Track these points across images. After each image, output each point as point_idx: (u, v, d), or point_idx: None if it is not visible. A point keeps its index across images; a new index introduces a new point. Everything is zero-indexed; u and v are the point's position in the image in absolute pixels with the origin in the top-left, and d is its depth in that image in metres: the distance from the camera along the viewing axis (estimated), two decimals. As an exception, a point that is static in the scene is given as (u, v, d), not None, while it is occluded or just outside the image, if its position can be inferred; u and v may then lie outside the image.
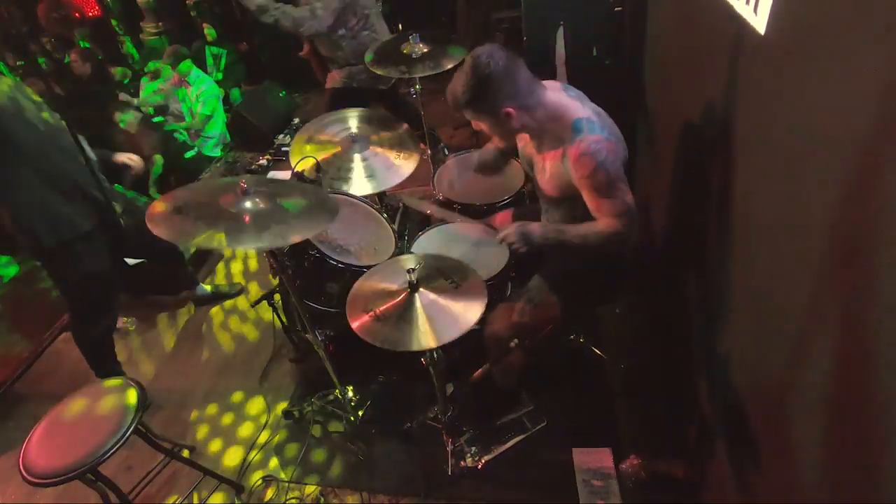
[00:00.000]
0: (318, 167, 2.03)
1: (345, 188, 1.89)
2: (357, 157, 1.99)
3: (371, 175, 1.93)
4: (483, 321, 1.89)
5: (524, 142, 1.80)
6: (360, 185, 1.86)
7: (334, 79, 3.22)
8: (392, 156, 1.97)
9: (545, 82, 1.64)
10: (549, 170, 1.66)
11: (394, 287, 1.60)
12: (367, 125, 2.11)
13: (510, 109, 1.50)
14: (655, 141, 2.35)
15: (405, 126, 2.26)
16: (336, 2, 2.83)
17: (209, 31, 5.23)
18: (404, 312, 1.52)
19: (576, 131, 1.52)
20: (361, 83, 3.14)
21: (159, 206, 1.46)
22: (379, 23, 3.16)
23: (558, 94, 1.61)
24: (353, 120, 2.09)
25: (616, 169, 1.51)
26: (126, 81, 5.03)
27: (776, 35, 1.08)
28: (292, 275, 1.80)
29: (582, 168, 1.51)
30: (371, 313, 1.49)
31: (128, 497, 1.88)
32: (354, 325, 1.51)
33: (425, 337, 1.45)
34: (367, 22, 3.04)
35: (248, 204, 1.49)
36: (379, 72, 2.50)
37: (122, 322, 3.12)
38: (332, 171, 1.93)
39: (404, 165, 1.94)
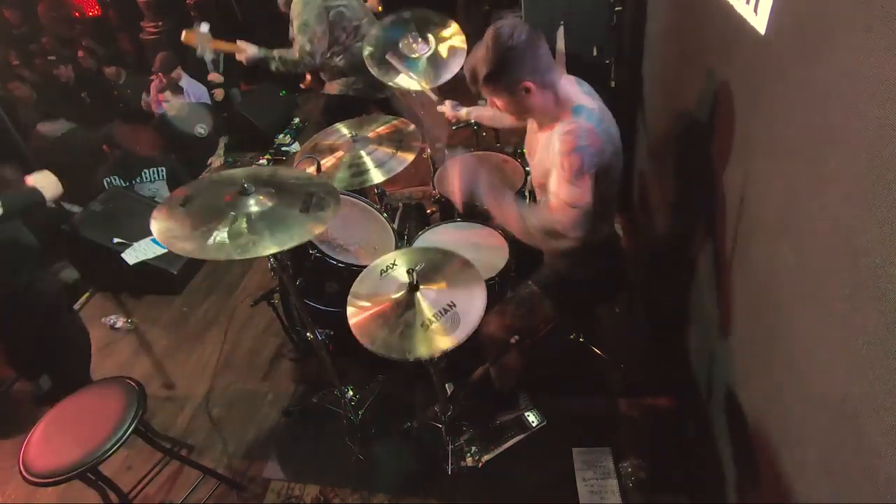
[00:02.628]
0: (318, 167, 2.04)
1: (366, 178, 2.03)
2: (363, 152, 2.11)
3: (380, 165, 2.06)
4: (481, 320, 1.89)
5: (529, 133, 1.79)
6: (375, 174, 2.04)
7: (331, 87, 3.22)
8: (391, 149, 2.12)
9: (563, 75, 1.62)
10: (538, 152, 1.64)
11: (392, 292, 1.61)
12: (360, 127, 2.23)
13: (529, 84, 1.46)
14: (655, 141, 2.35)
15: (394, 118, 2.30)
16: (318, 30, 2.82)
17: None
18: (411, 317, 1.53)
19: (574, 113, 1.50)
20: (358, 92, 3.14)
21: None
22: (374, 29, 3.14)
23: (573, 86, 1.59)
24: (345, 129, 2.22)
25: (590, 162, 1.47)
26: (121, 81, 5.03)
27: (776, 35, 1.08)
28: (292, 274, 1.82)
29: (562, 145, 1.47)
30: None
31: (128, 497, 1.88)
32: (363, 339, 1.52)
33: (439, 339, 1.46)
34: (359, 33, 3.02)
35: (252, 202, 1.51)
36: (378, 73, 2.49)
37: (122, 322, 3.13)
38: (351, 170, 2.07)
39: (405, 153, 2.10)
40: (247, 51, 2.89)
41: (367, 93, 3.14)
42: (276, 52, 2.88)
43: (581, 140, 1.45)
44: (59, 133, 4.16)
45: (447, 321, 1.51)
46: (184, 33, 2.87)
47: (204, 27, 2.88)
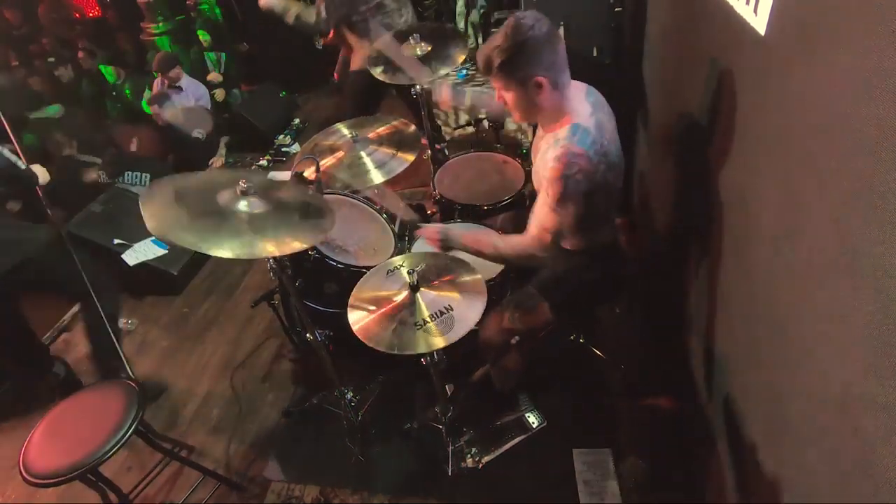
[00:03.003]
0: (317, 167, 2.04)
1: (366, 179, 2.03)
2: (363, 153, 2.10)
3: (380, 166, 2.05)
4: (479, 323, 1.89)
5: (537, 137, 1.78)
6: (375, 175, 2.02)
7: (357, 62, 3.20)
8: (391, 150, 2.11)
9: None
10: (539, 159, 1.64)
11: (394, 290, 1.61)
12: (361, 128, 2.22)
13: (542, 79, 1.44)
14: (655, 141, 2.35)
15: (397, 119, 2.28)
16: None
17: (203, 37, 5.24)
18: (407, 315, 1.53)
19: (570, 134, 1.49)
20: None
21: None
22: (403, 8, 3.10)
23: (579, 95, 1.58)
24: (345, 129, 2.20)
25: (575, 189, 1.46)
26: (117, 81, 5.03)
27: (776, 35, 1.08)
28: (292, 275, 1.82)
29: (550, 171, 1.47)
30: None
31: (128, 497, 1.88)
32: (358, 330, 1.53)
33: (432, 338, 1.46)
34: (381, 9, 3.01)
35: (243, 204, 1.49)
36: (382, 77, 2.45)
37: (122, 322, 3.13)
38: (352, 171, 2.06)
39: (406, 154, 2.09)
40: None
41: None
42: (294, 10, 2.93)
43: (567, 168, 1.44)
44: (58, 116, 4.24)
45: (442, 323, 1.51)
46: None
47: None
